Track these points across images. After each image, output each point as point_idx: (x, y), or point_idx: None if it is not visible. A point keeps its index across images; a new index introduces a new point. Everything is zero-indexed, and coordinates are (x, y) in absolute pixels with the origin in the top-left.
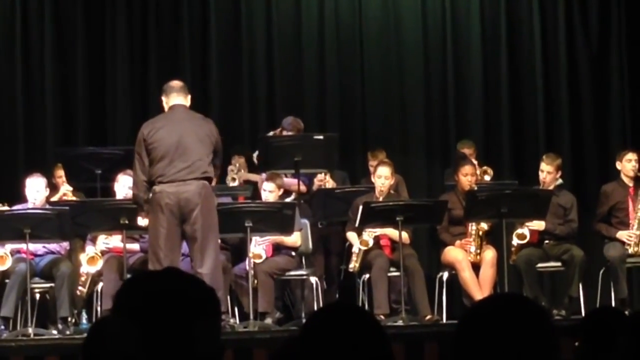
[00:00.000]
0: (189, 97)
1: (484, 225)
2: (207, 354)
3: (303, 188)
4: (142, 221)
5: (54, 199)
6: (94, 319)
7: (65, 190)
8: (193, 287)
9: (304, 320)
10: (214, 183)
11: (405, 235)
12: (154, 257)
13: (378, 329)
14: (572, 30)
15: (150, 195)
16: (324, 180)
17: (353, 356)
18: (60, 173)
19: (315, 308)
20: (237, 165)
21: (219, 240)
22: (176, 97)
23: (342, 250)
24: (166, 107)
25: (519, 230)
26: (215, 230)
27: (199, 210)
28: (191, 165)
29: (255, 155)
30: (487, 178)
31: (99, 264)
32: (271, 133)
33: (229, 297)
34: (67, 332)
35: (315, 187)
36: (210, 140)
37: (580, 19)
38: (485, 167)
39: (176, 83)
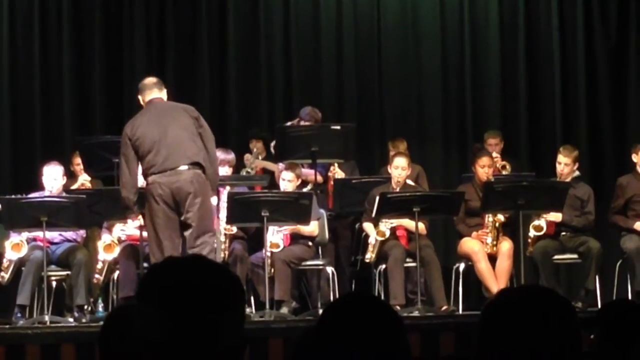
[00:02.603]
0: (165, 90)
1: (501, 217)
2: (232, 344)
3: (319, 178)
4: (132, 223)
5: (73, 187)
6: (110, 307)
7: (83, 180)
8: (219, 276)
9: (320, 310)
10: (228, 172)
11: (421, 226)
12: (154, 247)
13: (395, 319)
14: (590, 22)
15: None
16: (333, 171)
17: (370, 346)
18: (78, 160)
19: (331, 298)
20: (255, 150)
21: (235, 229)
22: (150, 94)
23: (351, 241)
24: (143, 105)
25: (536, 222)
26: (209, 218)
27: (191, 198)
28: (178, 152)
29: (272, 145)
30: (504, 173)
31: (116, 252)
32: (289, 123)
33: (245, 286)
34: (84, 320)
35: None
36: (191, 123)
37: (598, 11)
38: (504, 163)
39: (149, 80)
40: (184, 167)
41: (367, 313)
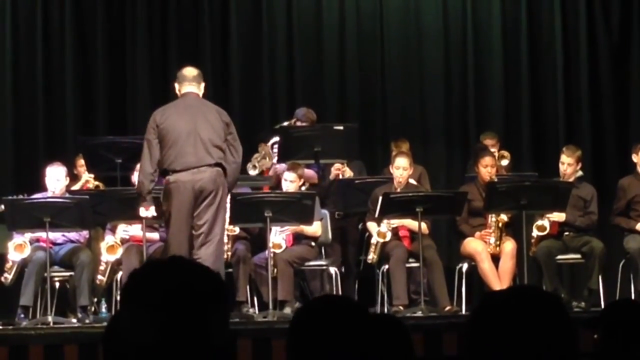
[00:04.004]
0: (203, 85)
1: (504, 217)
2: (219, 343)
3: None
4: (144, 212)
5: (76, 187)
6: (113, 308)
7: (88, 178)
8: (201, 275)
9: None
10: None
11: (424, 226)
12: (175, 246)
13: (366, 320)
14: (592, 20)
15: (159, 184)
16: (342, 169)
17: (345, 348)
18: (81, 162)
19: None
20: (263, 152)
21: (238, 230)
22: (188, 86)
23: (359, 241)
24: (178, 94)
25: (539, 222)
26: (222, 219)
27: (212, 197)
28: (204, 151)
29: (269, 144)
30: (504, 162)
31: (119, 253)
32: (286, 123)
33: (248, 287)
34: (87, 321)
35: (332, 176)
36: (222, 127)
37: (601, 9)
38: (502, 152)
39: (190, 71)
40: (206, 167)
41: (338, 316)
